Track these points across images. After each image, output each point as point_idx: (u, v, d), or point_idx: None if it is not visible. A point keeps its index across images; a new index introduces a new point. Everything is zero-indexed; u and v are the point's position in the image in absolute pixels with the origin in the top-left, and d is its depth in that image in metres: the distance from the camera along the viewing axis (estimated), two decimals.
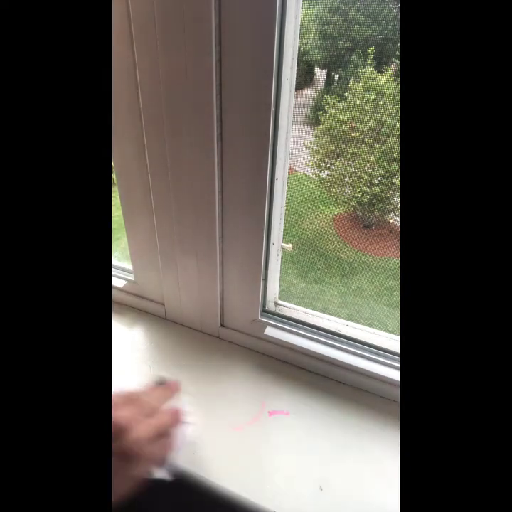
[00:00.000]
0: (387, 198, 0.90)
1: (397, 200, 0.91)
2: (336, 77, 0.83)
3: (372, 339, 0.56)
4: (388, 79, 0.73)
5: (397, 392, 0.54)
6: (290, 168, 0.52)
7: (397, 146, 0.80)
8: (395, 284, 1.00)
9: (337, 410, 0.54)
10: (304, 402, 0.55)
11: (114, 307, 0.72)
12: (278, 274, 0.60)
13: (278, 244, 0.57)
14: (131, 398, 0.38)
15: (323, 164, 0.93)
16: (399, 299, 0.35)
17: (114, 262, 0.73)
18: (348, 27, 0.68)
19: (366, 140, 0.84)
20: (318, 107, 0.83)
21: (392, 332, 0.57)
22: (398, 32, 0.64)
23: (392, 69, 0.71)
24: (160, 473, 0.38)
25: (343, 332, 0.57)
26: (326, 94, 0.82)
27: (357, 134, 0.84)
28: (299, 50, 0.43)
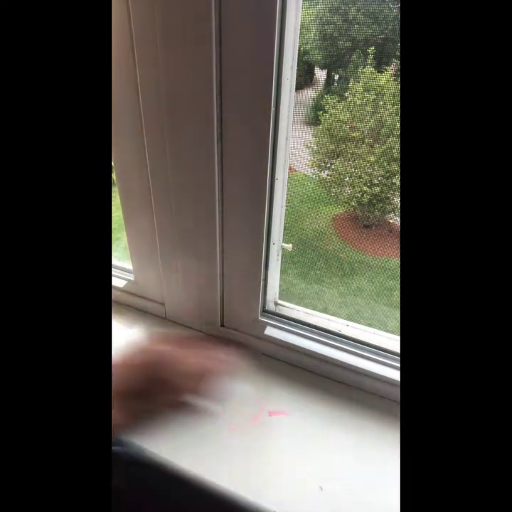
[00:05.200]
0: (387, 198, 0.90)
1: (397, 200, 0.91)
2: (336, 77, 0.83)
3: (372, 339, 0.56)
4: (388, 79, 0.73)
5: (397, 392, 0.54)
6: (290, 168, 0.51)
7: (397, 146, 0.80)
8: (395, 284, 1.00)
9: (337, 410, 0.54)
10: (304, 402, 0.54)
11: (114, 307, 0.72)
12: (278, 274, 0.60)
13: (278, 244, 0.57)
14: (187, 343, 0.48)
15: (323, 164, 0.93)
16: (399, 299, 0.35)
17: (114, 262, 0.73)
18: (348, 27, 0.68)
19: (366, 140, 0.84)
20: (318, 107, 0.83)
21: (392, 332, 0.57)
22: (398, 32, 0.64)
23: (392, 69, 0.71)
24: (193, 401, 0.43)
25: (343, 332, 0.57)
26: (326, 94, 0.82)
27: (357, 134, 0.84)
28: (299, 50, 0.43)
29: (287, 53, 0.41)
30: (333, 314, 0.61)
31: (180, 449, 0.48)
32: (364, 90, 0.76)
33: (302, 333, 0.58)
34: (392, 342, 0.56)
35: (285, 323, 0.59)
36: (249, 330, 0.61)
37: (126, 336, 0.64)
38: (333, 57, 0.76)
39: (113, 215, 0.70)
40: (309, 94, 0.83)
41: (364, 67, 0.73)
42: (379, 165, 0.85)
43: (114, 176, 0.59)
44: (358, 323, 0.59)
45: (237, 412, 0.53)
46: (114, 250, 0.80)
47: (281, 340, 0.58)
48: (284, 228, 0.56)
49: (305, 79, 0.81)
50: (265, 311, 0.61)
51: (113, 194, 0.59)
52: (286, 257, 0.63)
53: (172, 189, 0.52)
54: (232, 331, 0.63)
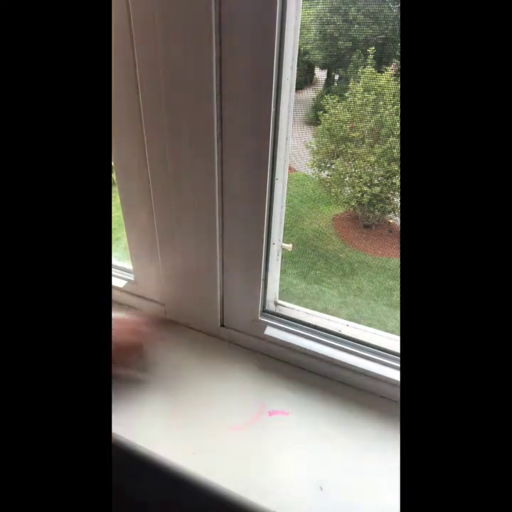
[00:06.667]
0: (387, 198, 0.90)
1: (397, 200, 0.91)
2: (336, 77, 0.83)
3: (372, 339, 0.56)
4: (388, 79, 0.73)
5: (397, 392, 0.54)
6: (290, 168, 0.52)
7: (397, 146, 0.80)
8: (395, 284, 1.00)
9: (337, 410, 0.54)
10: (304, 402, 0.55)
11: (114, 307, 0.72)
12: (278, 274, 0.60)
13: (278, 244, 0.57)
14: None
15: (323, 164, 0.93)
16: (399, 299, 0.35)
17: (114, 262, 0.73)
18: (348, 27, 0.68)
19: (366, 140, 0.84)
20: (318, 107, 0.83)
21: (392, 332, 0.57)
22: (398, 32, 0.64)
23: (392, 69, 0.71)
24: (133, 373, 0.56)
25: (344, 332, 0.57)
26: (326, 94, 0.82)
27: (357, 134, 0.84)
28: (299, 50, 0.43)
29: (287, 53, 0.41)
30: (333, 314, 0.61)
31: (180, 446, 0.48)
32: (364, 90, 0.76)
33: (302, 333, 0.58)
34: (392, 342, 0.56)
35: (285, 323, 0.59)
36: (249, 330, 0.61)
37: None
38: (333, 57, 0.76)
39: (113, 215, 0.70)
40: (309, 94, 0.83)
41: (364, 67, 0.73)
42: (379, 165, 0.85)
43: (114, 176, 0.59)
44: (358, 323, 0.59)
45: (237, 411, 0.53)
46: (114, 250, 0.80)
47: (281, 340, 0.58)
48: (284, 228, 0.56)
49: (305, 79, 0.81)
50: (265, 311, 0.61)
51: (113, 194, 0.59)
52: (286, 257, 0.63)
53: (172, 189, 0.52)
54: (232, 331, 0.63)
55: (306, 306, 0.62)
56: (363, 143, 0.85)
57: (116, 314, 0.60)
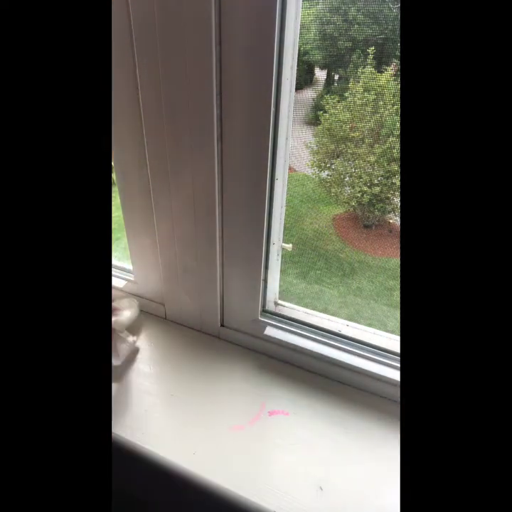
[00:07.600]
0: (387, 198, 0.90)
1: (397, 200, 0.90)
2: (336, 77, 0.83)
3: (372, 339, 0.56)
4: (388, 79, 0.73)
5: (397, 392, 0.54)
6: (290, 168, 0.52)
7: (397, 146, 0.80)
8: (395, 284, 1.00)
9: (337, 410, 0.54)
10: (304, 402, 0.55)
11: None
12: (278, 274, 0.60)
13: (278, 244, 0.57)
14: None
15: (323, 164, 0.93)
16: (399, 299, 0.35)
17: (114, 262, 0.73)
18: (348, 27, 0.68)
19: (366, 140, 0.84)
20: (318, 107, 0.83)
21: (392, 332, 0.57)
22: (398, 32, 0.64)
23: (392, 69, 0.71)
24: None
25: (343, 332, 0.57)
26: (326, 94, 0.82)
27: (357, 134, 0.84)
28: (299, 50, 0.43)
29: (287, 53, 0.41)
30: (333, 314, 0.61)
31: (180, 446, 0.48)
32: (364, 90, 0.76)
33: (302, 333, 0.58)
34: (392, 342, 0.56)
35: (285, 323, 0.59)
36: (249, 330, 0.61)
37: None
38: (333, 57, 0.76)
39: (113, 215, 0.70)
40: (309, 94, 0.83)
41: (364, 67, 0.73)
42: (379, 165, 0.85)
43: (114, 176, 0.59)
44: (358, 323, 0.59)
45: (237, 411, 0.53)
46: (114, 250, 0.80)
47: (281, 340, 0.58)
48: (284, 228, 0.56)
49: (305, 79, 0.81)
50: (265, 311, 0.61)
51: (113, 194, 0.59)
52: (286, 257, 0.63)
53: (172, 189, 0.52)
54: (232, 330, 0.63)
55: (306, 306, 0.62)
56: (362, 143, 0.84)
57: None
